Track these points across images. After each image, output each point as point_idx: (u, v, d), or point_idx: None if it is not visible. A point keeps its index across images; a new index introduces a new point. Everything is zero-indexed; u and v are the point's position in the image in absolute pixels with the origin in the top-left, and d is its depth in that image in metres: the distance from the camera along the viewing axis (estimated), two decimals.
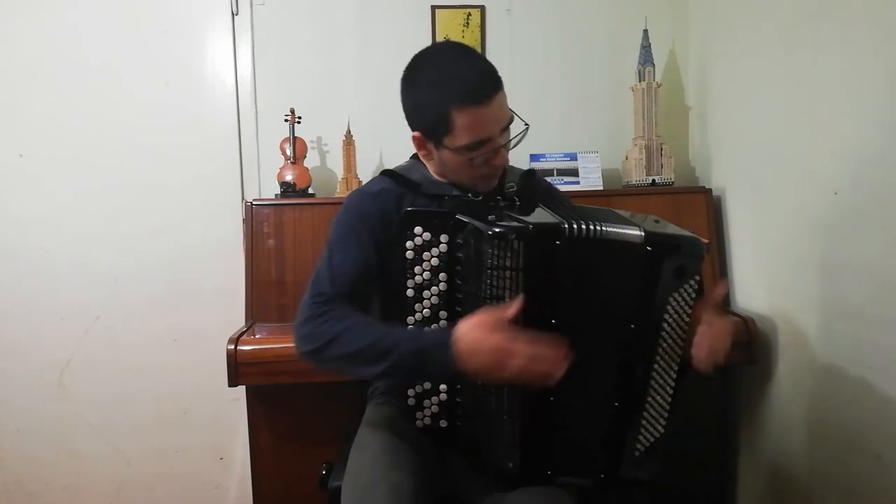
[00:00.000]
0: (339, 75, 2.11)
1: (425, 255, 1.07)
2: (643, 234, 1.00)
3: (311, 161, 2.08)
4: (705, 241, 1.05)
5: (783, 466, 1.66)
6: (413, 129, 1.17)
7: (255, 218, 1.86)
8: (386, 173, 1.25)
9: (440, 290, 1.08)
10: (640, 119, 2.04)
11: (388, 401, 1.28)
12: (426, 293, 1.08)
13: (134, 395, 2.10)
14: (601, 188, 2.04)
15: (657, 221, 1.11)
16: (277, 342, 1.65)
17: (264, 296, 1.83)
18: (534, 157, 2.04)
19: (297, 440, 1.78)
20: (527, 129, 1.16)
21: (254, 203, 1.88)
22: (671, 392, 1.08)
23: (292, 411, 1.77)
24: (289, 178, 1.98)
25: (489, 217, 1.02)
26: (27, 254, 2.05)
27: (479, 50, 2.13)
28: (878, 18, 1.30)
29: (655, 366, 1.05)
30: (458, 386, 1.10)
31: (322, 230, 1.85)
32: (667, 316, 1.03)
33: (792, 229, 1.59)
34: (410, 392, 1.11)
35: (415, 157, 1.27)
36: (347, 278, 1.11)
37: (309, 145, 2.05)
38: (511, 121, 1.14)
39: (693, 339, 1.06)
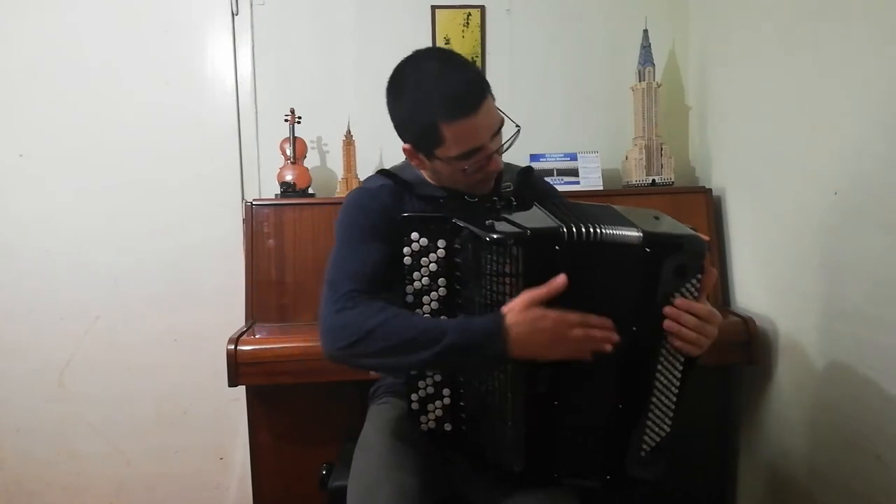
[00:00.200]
0: (339, 75, 2.11)
1: (423, 260, 1.06)
2: (641, 234, 0.99)
3: (311, 161, 2.08)
4: (706, 237, 1.04)
5: (783, 466, 1.66)
6: (403, 141, 1.16)
7: (255, 218, 1.86)
8: (382, 172, 1.25)
9: (440, 296, 1.07)
10: (640, 119, 2.04)
11: (390, 401, 1.28)
12: (426, 298, 1.07)
13: (134, 395, 2.10)
14: (601, 188, 2.04)
15: (657, 218, 1.09)
16: (277, 342, 1.65)
17: (264, 296, 1.83)
18: (534, 157, 2.04)
19: (297, 440, 1.78)
20: (518, 131, 1.15)
21: (254, 203, 1.88)
22: (676, 391, 1.07)
23: (292, 411, 1.77)
24: (289, 178, 1.98)
25: (486, 222, 1.01)
26: (27, 254, 2.05)
27: (478, 50, 2.13)
28: (878, 18, 1.30)
29: (659, 366, 1.04)
30: (462, 390, 1.10)
31: (322, 230, 1.85)
32: (666, 310, 1.02)
33: (792, 229, 1.59)
34: (414, 396, 1.11)
35: None
36: (368, 274, 1.09)
37: (309, 145, 2.05)
38: (502, 123, 1.13)
39: None
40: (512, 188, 1.22)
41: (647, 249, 0.99)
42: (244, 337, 1.66)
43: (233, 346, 1.61)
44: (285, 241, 1.85)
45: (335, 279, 1.10)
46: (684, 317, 1.01)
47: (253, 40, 2.09)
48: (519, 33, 2.16)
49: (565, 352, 0.97)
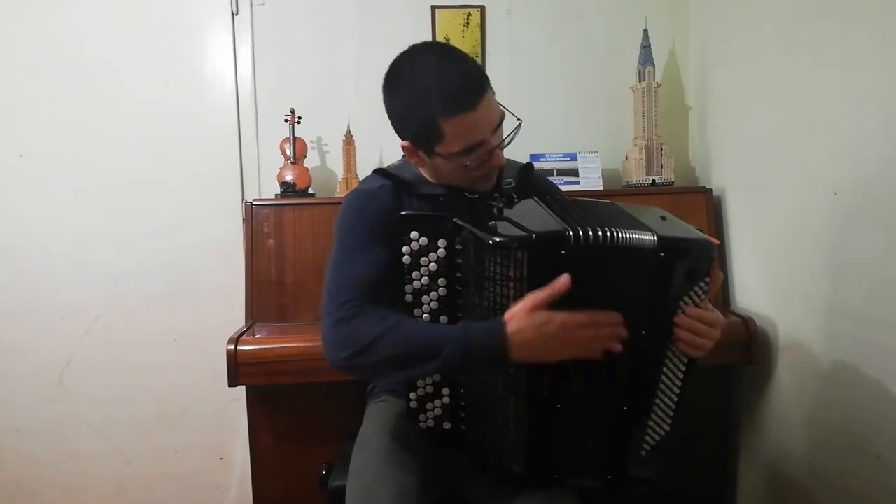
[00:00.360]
0: (339, 75, 2.11)
1: (423, 259, 1.04)
2: (656, 239, 0.96)
3: (311, 161, 2.08)
4: (715, 241, 1.02)
5: (783, 466, 1.66)
6: (402, 138, 1.14)
7: (255, 218, 1.86)
8: (379, 172, 1.23)
9: (440, 296, 1.06)
10: (640, 119, 2.04)
11: (388, 399, 1.28)
12: (425, 298, 1.06)
13: (134, 395, 2.10)
14: (601, 188, 2.05)
15: (664, 218, 1.07)
16: (277, 342, 1.65)
17: (264, 296, 1.83)
18: (534, 157, 2.04)
19: (297, 440, 1.78)
20: (519, 124, 1.13)
21: (254, 203, 1.88)
22: (678, 391, 1.07)
23: (292, 411, 1.77)
24: (289, 178, 1.98)
25: (489, 223, 0.99)
26: (27, 254, 2.05)
27: (478, 50, 2.13)
28: (878, 19, 1.30)
29: (665, 369, 1.03)
30: (462, 390, 1.09)
31: (322, 230, 1.85)
32: (677, 319, 1.01)
33: (792, 229, 1.59)
34: (412, 395, 1.10)
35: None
36: (369, 281, 1.08)
37: (309, 145, 2.05)
38: (503, 118, 1.11)
39: None
40: (514, 185, 1.21)
41: (662, 254, 0.96)
42: (244, 337, 1.66)
43: (233, 346, 1.61)
44: (285, 241, 1.85)
45: (334, 287, 1.09)
46: (696, 325, 1.00)
47: (253, 40, 2.09)
48: (519, 33, 2.16)
49: (573, 352, 0.95)
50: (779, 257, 1.67)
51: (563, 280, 0.93)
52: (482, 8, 2.13)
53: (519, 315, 0.94)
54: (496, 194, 1.15)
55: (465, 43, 2.12)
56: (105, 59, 2.05)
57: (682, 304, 1.00)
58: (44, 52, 2.03)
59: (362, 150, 2.04)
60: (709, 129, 2.05)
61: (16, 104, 2.03)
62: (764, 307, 1.73)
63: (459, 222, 1.02)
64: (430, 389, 1.10)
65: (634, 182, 2.02)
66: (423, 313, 1.07)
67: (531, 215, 1.03)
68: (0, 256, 2.05)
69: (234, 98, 2.10)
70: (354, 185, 2.00)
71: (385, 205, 1.16)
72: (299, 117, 2.01)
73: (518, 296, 0.96)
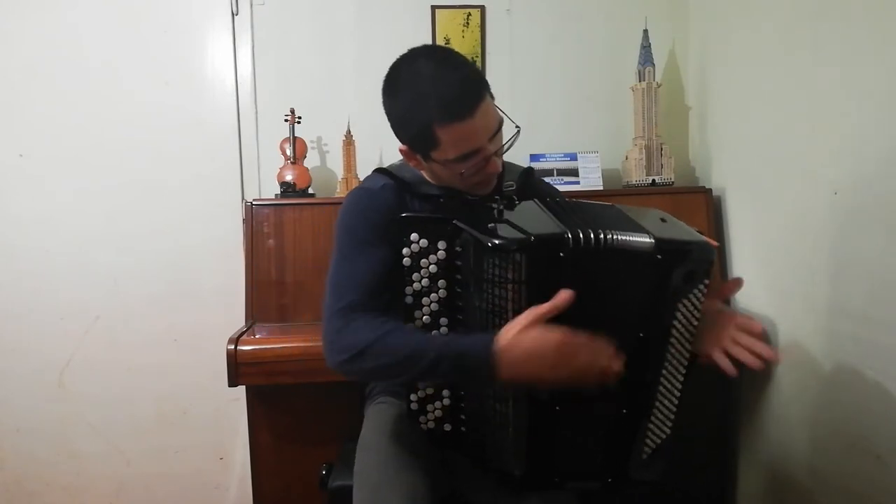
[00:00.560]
0: (339, 75, 2.11)
1: (423, 261, 1.04)
2: (653, 241, 0.96)
3: (311, 161, 2.08)
4: (714, 243, 1.02)
5: (783, 467, 1.66)
6: (400, 141, 1.14)
7: (255, 218, 1.86)
8: (381, 171, 1.23)
9: (440, 298, 1.05)
10: (640, 119, 2.04)
11: (387, 400, 1.28)
12: (425, 300, 1.06)
13: (134, 395, 2.10)
14: (601, 188, 2.04)
15: (663, 220, 1.07)
16: (277, 342, 1.65)
17: (264, 296, 1.83)
18: (534, 157, 2.04)
19: (297, 440, 1.78)
20: (518, 132, 1.12)
21: (254, 203, 1.88)
22: (679, 393, 1.07)
23: (292, 411, 1.77)
24: (289, 178, 1.98)
25: (489, 225, 0.99)
26: (27, 254, 2.05)
27: (478, 50, 2.13)
28: (878, 19, 1.30)
29: (664, 371, 1.03)
30: (462, 392, 1.09)
31: (322, 230, 1.85)
32: (676, 322, 1.01)
33: (792, 229, 1.59)
34: (413, 397, 1.10)
35: None
36: (370, 283, 1.08)
37: (309, 145, 2.05)
38: (501, 124, 1.10)
39: (702, 335, 1.06)
40: (514, 188, 1.21)
41: (659, 257, 0.96)
42: (244, 337, 1.66)
43: (233, 346, 1.61)
44: (285, 241, 1.85)
45: (335, 289, 1.09)
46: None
47: (253, 40, 2.09)
48: (519, 33, 2.16)
49: (567, 376, 0.93)
50: (779, 257, 1.67)
51: (565, 295, 0.93)
52: (482, 8, 2.13)
53: (516, 329, 0.93)
54: (496, 196, 1.15)
55: (465, 43, 2.12)
56: (105, 59, 2.05)
57: (680, 306, 1.00)
58: (44, 52, 2.03)
59: (362, 150, 2.04)
60: (709, 129, 2.05)
61: (16, 104, 2.03)
62: (764, 307, 1.73)
63: (459, 224, 1.02)
64: (430, 391, 1.10)
65: (634, 182, 2.02)
66: (423, 315, 1.07)
67: (531, 217, 1.03)
68: (0, 256, 2.05)
69: (234, 98, 2.10)
70: (354, 185, 2.00)
71: (388, 204, 1.16)
72: (299, 117, 2.01)
73: (517, 298, 0.95)
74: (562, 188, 1.82)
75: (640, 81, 2.04)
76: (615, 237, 0.96)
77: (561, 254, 0.95)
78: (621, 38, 2.15)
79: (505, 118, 1.11)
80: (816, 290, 1.50)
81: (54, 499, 2.12)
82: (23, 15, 2.02)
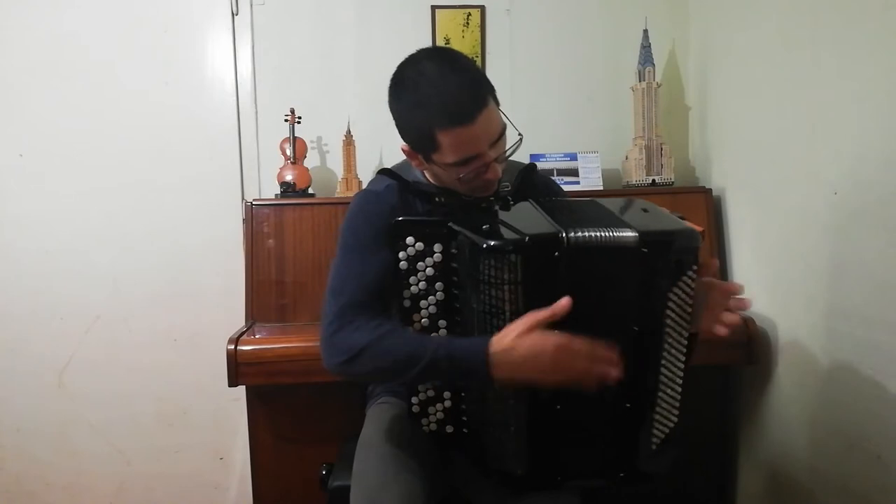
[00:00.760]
0: (339, 75, 2.11)
1: (419, 264, 1.05)
2: (637, 235, 0.97)
3: (311, 161, 2.08)
4: (699, 228, 1.03)
5: (783, 466, 1.66)
6: (403, 140, 1.14)
7: (255, 218, 1.86)
8: (384, 172, 1.23)
9: (437, 300, 1.06)
10: (640, 119, 2.04)
11: (389, 401, 1.28)
12: (423, 303, 1.06)
13: (134, 395, 2.10)
14: (601, 188, 2.05)
15: (646, 211, 1.07)
16: (277, 342, 1.65)
17: (264, 296, 1.83)
18: (534, 157, 2.04)
19: (297, 440, 1.78)
20: (520, 140, 1.12)
21: (254, 203, 1.88)
22: (681, 381, 1.07)
23: (292, 411, 1.77)
24: (289, 178, 1.98)
25: (483, 226, 0.99)
26: (27, 254, 2.05)
27: (478, 50, 2.13)
28: (878, 18, 1.30)
29: (663, 361, 1.03)
30: (463, 394, 1.09)
31: (322, 230, 1.85)
32: (669, 311, 1.01)
33: (792, 229, 1.59)
34: (414, 399, 1.10)
35: None
36: (369, 285, 1.08)
37: (309, 145, 2.05)
38: (504, 130, 1.10)
39: (699, 315, 1.06)
40: (510, 189, 1.20)
41: (645, 250, 0.97)
42: (244, 337, 1.66)
43: (233, 346, 1.61)
44: (285, 241, 1.85)
45: (335, 290, 1.10)
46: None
47: (253, 40, 2.09)
48: (519, 33, 2.16)
49: (565, 378, 0.94)
50: (778, 257, 1.67)
51: (564, 302, 0.94)
52: (482, 8, 2.13)
53: (513, 334, 0.94)
54: (491, 198, 1.15)
55: (465, 43, 2.12)
56: (105, 59, 2.05)
57: (671, 295, 1.01)
58: (44, 52, 2.03)
59: (362, 150, 2.04)
60: (709, 129, 2.05)
61: (16, 104, 2.03)
62: (764, 307, 1.73)
63: (454, 227, 1.03)
64: (431, 394, 1.10)
65: (634, 182, 2.02)
66: (422, 318, 1.07)
67: (526, 218, 1.04)
68: (0, 256, 2.05)
69: (234, 98, 2.10)
70: (354, 185, 2.01)
71: (391, 206, 1.16)
72: (299, 117, 2.01)
73: (513, 298, 0.96)
74: (562, 188, 1.81)
75: (640, 81, 2.04)
76: (602, 233, 0.97)
77: (556, 253, 0.95)
78: (621, 38, 2.15)
79: (509, 125, 1.11)
80: (816, 290, 1.50)
81: (54, 499, 2.12)
82: (23, 15, 2.02)
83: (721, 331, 1.05)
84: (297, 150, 2.00)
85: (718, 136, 2.00)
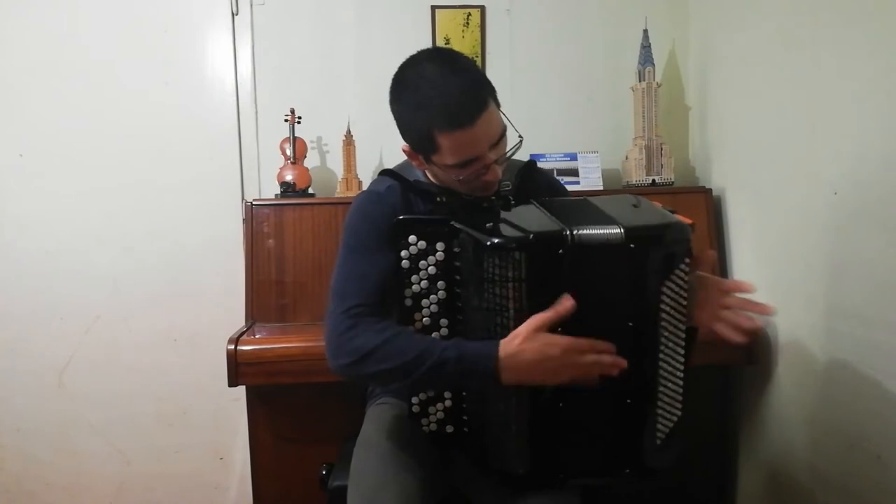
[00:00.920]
0: (339, 75, 2.11)
1: (421, 263, 1.05)
2: (627, 230, 0.98)
3: (311, 161, 2.08)
4: (689, 221, 1.03)
5: (783, 466, 1.66)
6: (404, 140, 1.15)
7: (255, 218, 1.86)
8: (386, 172, 1.23)
9: (439, 299, 1.06)
10: (640, 119, 2.04)
11: (389, 401, 1.28)
12: (425, 301, 1.06)
13: (134, 395, 2.10)
14: (601, 188, 2.05)
15: (636, 205, 1.08)
16: (277, 342, 1.65)
17: (264, 296, 1.83)
18: (534, 157, 2.03)
19: (297, 440, 1.78)
20: (520, 142, 1.12)
21: (254, 203, 1.88)
22: (681, 374, 1.07)
23: (292, 411, 1.77)
24: (289, 178, 1.98)
25: (487, 225, 1.00)
26: (27, 254, 2.05)
27: (478, 50, 2.13)
28: (878, 18, 1.30)
29: (661, 355, 1.04)
30: (463, 393, 1.09)
31: (322, 230, 1.85)
32: (664, 305, 1.02)
33: (792, 229, 1.59)
34: (414, 399, 1.10)
35: None
36: (371, 287, 1.09)
37: (309, 145, 2.05)
38: (504, 132, 1.10)
39: (693, 310, 1.07)
40: (510, 187, 1.21)
41: (632, 245, 0.98)
42: (244, 337, 1.66)
43: (233, 346, 1.61)
44: (285, 241, 1.85)
45: (338, 292, 1.10)
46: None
47: (253, 40, 2.09)
48: (519, 33, 2.16)
49: (571, 376, 0.98)
50: (779, 257, 1.67)
51: (568, 303, 0.95)
52: (482, 8, 2.13)
53: (520, 337, 0.96)
54: (493, 197, 1.15)
55: (465, 43, 2.12)
56: (105, 59, 2.05)
57: (664, 289, 1.01)
58: (44, 52, 2.03)
59: (362, 150, 2.04)
60: (709, 129, 2.05)
61: (16, 104, 2.03)
62: None
63: (457, 225, 1.03)
64: (431, 393, 1.10)
65: (634, 182, 2.02)
66: (423, 317, 1.07)
67: (528, 216, 1.05)
68: (0, 256, 2.05)
69: (234, 98, 2.10)
70: (354, 185, 2.01)
71: (393, 206, 1.16)
72: (299, 117, 2.01)
73: (517, 296, 0.97)
74: None
75: (640, 81, 2.04)
76: (602, 231, 0.98)
77: (560, 251, 0.96)
78: (621, 38, 2.15)
79: (509, 126, 1.11)
80: (816, 290, 1.50)
81: (54, 499, 2.12)
82: (23, 15, 2.02)
83: (736, 337, 1.06)
84: (297, 150, 2.00)
85: (718, 136, 2.00)
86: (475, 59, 2.12)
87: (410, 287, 1.06)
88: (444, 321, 1.07)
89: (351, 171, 2.02)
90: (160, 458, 2.13)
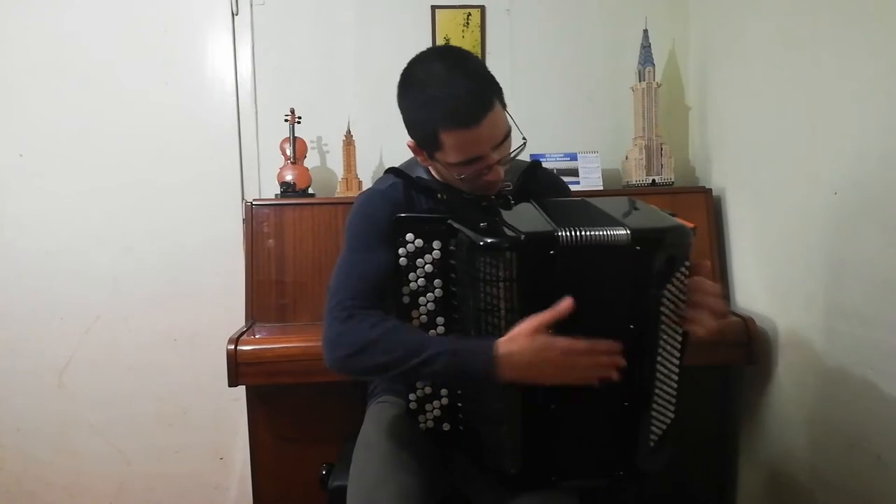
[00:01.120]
0: (339, 75, 2.11)
1: (419, 261, 1.05)
2: (629, 233, 0.98)
3: (311, 161, 2.08)
4: (690, 225, 1.03)
5: (783, 466, 1.66)
6: (410, 136, 1.15)
7: (255, 218, 1.86)
8: (391, 171, 1.24)
9: (436, 297, 1.07)
10: (640, 119, 2.04)
11: (389, 399, 1.28)
12: (422, 299, 1.07)
13: (134, 395, 2.10)
14: (601, 188, 2.05)
15: (636, 209, 1.08)
16: (277, 342, 1.65)
17: (264, 296, 1.83)
18: (534, 157, 2.04)
19: (297, 440, 1.78)
20: (524, 144, 1.13)
21: (254, 203, 1.88)
22: (676, 377, 1.07)
23: (292, 411, 1.77)
24: (289, 178, 1.98)
25: (481, 224, 1.00)
26: (27, 254, 2.05)
27: (478, 50, 2.13)
28: (878, 18, 1.30)
29: (659, 358, 1.04)
30: (459, 391, 1.09)
31: (322, 230, 1.85)
32: (663, 308, 1.01)
33: (792, 229, 1.59)
34: (412, 396, 1.10)
35: None
36: (369, 283, 1.09)
37: (309, 145, 2.05)
38: (509, 133, 1.10)
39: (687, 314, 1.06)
40: (511, 188, 1.21)
41: (637, 247, 0.98)
42: (244, 337, 1.66)
43: (233, 346, 1.61)
44: (285, 241, 1.85)
45: (338, 288, 1.10)
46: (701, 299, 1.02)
47: (253, 40, 2.09)
48: (519, 33, 2.16)
49: (570, 378, 0.96)
50: (779, 257, 1.67)
51: (566, 303, 0.94)
52: (482, 8, 2.13)
53: (518, 337, 0.95)
54: (493, 197, 1.15)
55: (464, 43, 2.12)
56: (105, 59, 2.05)
57: (665, 292, 1.01)
58: (44, 52, 2.03)
59: (362, 150, 2.04)
60: (709, 129, 2.05)
61: (16, 104, 2.03)
62: (764, 307, 1.73)
63: (454, 224, 1.03)
64: (428, 390, 1.10)
65: (634, 182, 2.02)
66: (420, 314, 1.08)
67: (524, 216, 1.05)
68: (0, 256, 2.05)
69: (234, 98, 2.10)
70: (354, 185, 2.01)
71: (394, 204, 1.16)
72: (299, 117, 2.01)
73: (508, 296, 0.97)
74: None
75: (640, 81, 2.04)
76: (595, 232, 0.98)
77: (551, 251, 0.96)
78: (621, 38, 2.15)
79: (513, 127, 1.11)
80: (816, 289, 1.50)
81: (54, 499, 2.12)
82: (23, 15, 2.02)
83: (699, 331, 1.05)
84: (297, 150, 2.00)
85: (718, 136, 2.00)
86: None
87: (408, 285, 1.07)
88: (440, 319, 1.08)
89: (351, 171, 2.02)
90: (160, 458, 2.13)
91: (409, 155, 1.30)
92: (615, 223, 1.00)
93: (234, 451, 2.15)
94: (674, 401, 1.08)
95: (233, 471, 2.16)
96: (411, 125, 1.12)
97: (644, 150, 2.01)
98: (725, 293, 1.91)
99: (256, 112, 2.11)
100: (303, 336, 1.64)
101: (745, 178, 1.84)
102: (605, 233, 0.98)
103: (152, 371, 2.10)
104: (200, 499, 2.16)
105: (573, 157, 2.08)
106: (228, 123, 2.10)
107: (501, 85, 1.11)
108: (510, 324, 0.97)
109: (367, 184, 2.07)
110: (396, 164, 1.27)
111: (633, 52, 2.08)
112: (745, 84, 1.81)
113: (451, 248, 1.04)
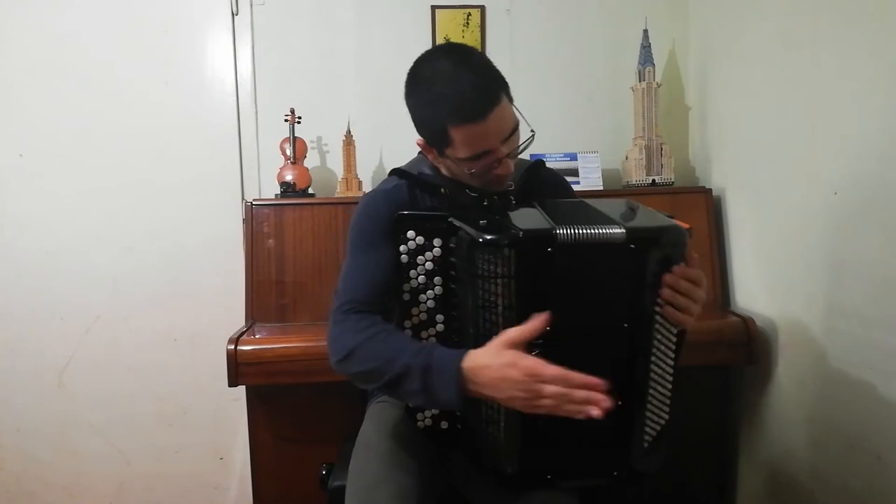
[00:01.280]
0: (339, 75, 2.11)
1: (419, 258, 1.06)
2: (625, 231, 0.98)
3: (311, 161, 2.08)
4: (686, 225, 1.03)
5: (783, 466, 1.66)
6: (419, 134, 1.16)
7: (255, 218, 1.86)
8: (395, 172, 1.24)
9: (436, 295, 1.07)
10: (640, 119, 2.04)
11: (389, 399, 1.28)
12: (422, 297, 1.07)
13: (134, 395, 2.10)
14: (601, 188, 2.05)
15: (633, 209, 1.09)
16: (277, 342, 1.65)
17: (264, 296, 1.83)
18: (534, 157, 2.03)
19: (297, 440, 1.78)
20: (532, 136, 1.14)
21: (254, 203, 1.88)
22: (671, 377, 1.07)
23: (292, 411, 1.77)
24: (289, 178, 1.98)
25: (481, 222, 1.00)
26: (27, 254, 2.05)
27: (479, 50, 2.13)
28: (878, 18, 1.30)
29: (653, 357, 1.04)
30: None
31: (322, 230, 1.85)
32: (658, 308, 1.02)
33: (792, 229, 1.59)
34: None
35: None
36: (370, 285, 1.10)
37: (309, 145, 2.05)
38: (517, 126, 1.11)
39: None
40: (513, 186, 1.21)
41: (632, 246, 0.98)
42: (244, 337, 1.66)
43: (233, 346, 1.61)
44: (285, 241, 1.85)
45: (340, 290, 1.12)
46: (681, 284, 1.00)
47: (253, 40, 2.09)
48: (519, 33, 2.16)
49: (536, 407, 0.90)
50: (778, 257, 1.67)
51: (542, 318, 0.93)
52: (482, 8, 2.13)
53: (487, 350, 0.94)
54: (495, 196, 1.16)
55: (464, 43, 2.12)
56: (105, 60, 2.05)
57: (660, 292, 1.01)
58: (44, 52, 2.03)
59: (362, 150, 2.04)
60: (709, 129, 2.05)
61: (16, 104, 2.03)
62: (764, 307, 1.73)
63: (454, 221, 1.04)
64: None
65: (634, 182, 2.02)
66: (420, 312, 1.08)
67: (524, 214, 1.05)
68: (0, 256, 2.05)
69: (234, 98, 2.10)
70: (354, 185, 2.01)
71: (397, 203, 1.16)
72: (299, 117, 2.01)
73: (506, 293, 0.97)
74: None
75: (640, 81, 2.04)
76: (592, 231, 0.98)
77: (549, 249, 0.96)
78: (621, 38, 2.15)
79: (521, 120, 1.12)
80: (816, 289, 1.50)
81: (54, 499, 2.12)
82: (23, 15, 2.02)
83: (687, 320, 1.03)
84: (297, 150, 2.00)
85: (718, 136, 2.00)
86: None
87: (408, 282, 1.07)
88: (439, 317, 1.08)
89: (351, 171, 2.02)
90: (160, 458, 2.13)
91: (410, 155, 1.30)
92: (612, 222, 1.00)
93: (234, 451, 2.15)
94: (668, 402, 1.08)
95: (233, 471, 2.16)
96: (420, 123, 1.13)
97: (644, 150, 2.01)
98: (725, 293, 1.91)
99: (256, 112, 2.11)
100: (303, 336, 1.64)
101: (745, 178, 1.84)
102: (601, 231, 0.98)
103: (152, 371, 2.10)
104: (200, 499, 2.16)
105: (573, 157, 2.08)
106: (228, 123, 2.10)
107: None
108: (508, 320, 0.97)
109: (366, 184, 2.07)
110: (396, 164, 1.28)
111: (633, 52, 2.08)
112: (745, 84, 1.81)
113: (452, 245, 1.05)
